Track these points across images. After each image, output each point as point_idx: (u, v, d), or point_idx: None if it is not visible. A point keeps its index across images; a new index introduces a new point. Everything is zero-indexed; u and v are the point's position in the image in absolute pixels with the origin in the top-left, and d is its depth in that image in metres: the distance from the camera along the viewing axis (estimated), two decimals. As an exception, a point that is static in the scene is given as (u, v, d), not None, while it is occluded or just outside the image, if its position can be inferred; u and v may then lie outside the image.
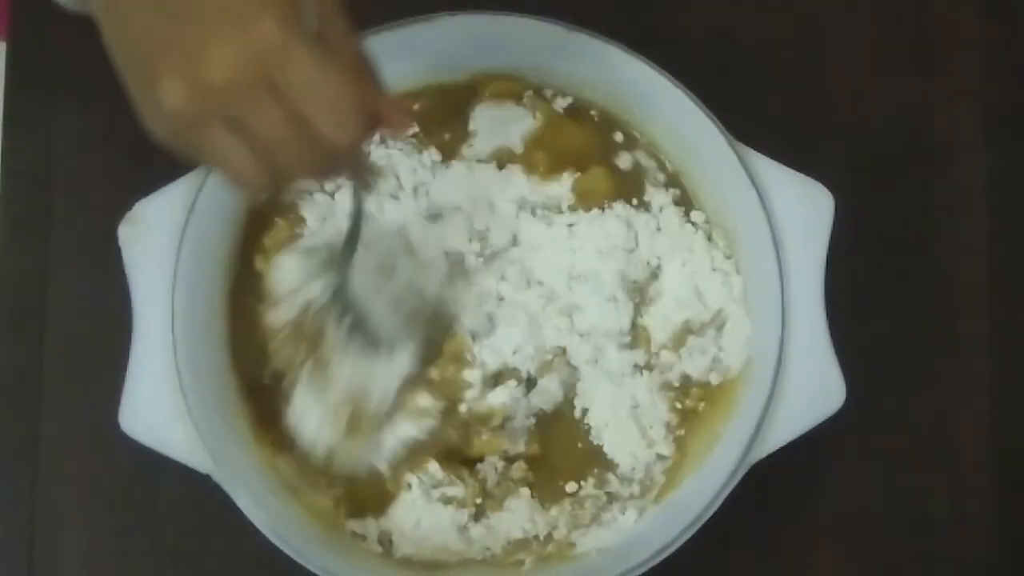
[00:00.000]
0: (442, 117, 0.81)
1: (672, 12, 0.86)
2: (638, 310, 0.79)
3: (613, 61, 0.77)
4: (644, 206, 0.81)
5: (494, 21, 0.77)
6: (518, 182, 0.80)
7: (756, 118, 0.79)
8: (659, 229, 0.80)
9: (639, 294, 0.80)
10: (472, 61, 0.79)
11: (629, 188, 0.81)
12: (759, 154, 0.76)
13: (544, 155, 0.81)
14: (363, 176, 0.68)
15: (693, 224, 0.80)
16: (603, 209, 0.80)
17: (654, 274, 0.80)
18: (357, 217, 0.69)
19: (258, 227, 0.79)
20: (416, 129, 0.80)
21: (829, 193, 0.76)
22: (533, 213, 0.80)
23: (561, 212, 0.80)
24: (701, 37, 0.86)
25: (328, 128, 0.57)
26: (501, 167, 0.80)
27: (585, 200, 0.80)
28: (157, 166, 0.77)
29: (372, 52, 0.61)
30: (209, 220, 0.75)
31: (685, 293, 0.79)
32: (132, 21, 0.58)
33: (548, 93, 0.82)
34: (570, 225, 0.79)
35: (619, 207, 0.80)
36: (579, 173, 0.80)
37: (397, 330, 0.74)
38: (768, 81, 0.86)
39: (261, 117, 0.57)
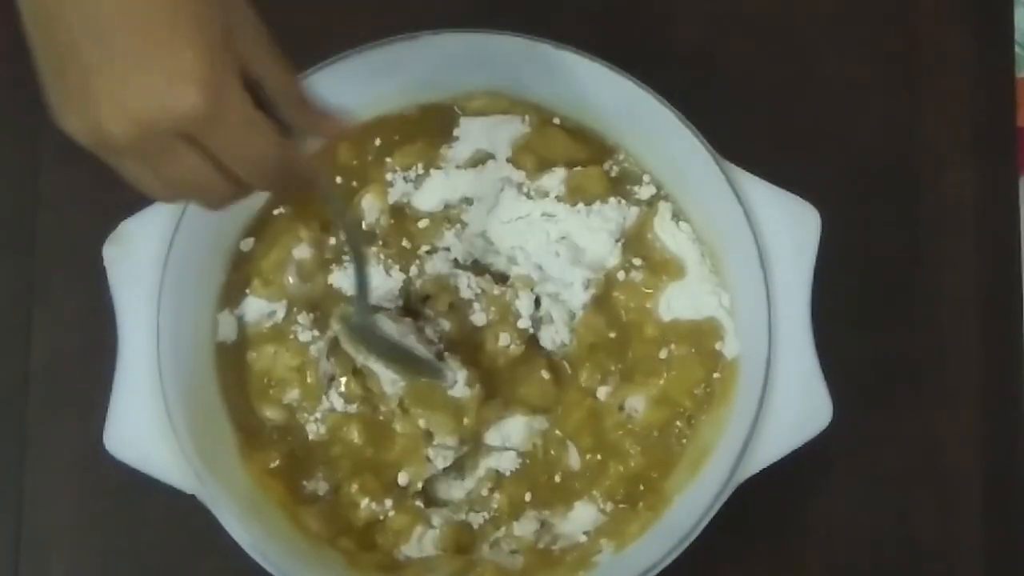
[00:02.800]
0: (428, 135, 0.81)
1: (657, 29, 0.86)
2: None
3: (600, 79, 0.77)
4: (634, 202, 0.81)
5: (479, 40, 0.77)
6: (504, 169, 0.80)
7: (742, 136, 0.79)
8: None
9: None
10: (457, 80, 0.79)
11: (619, 190, 0.81)
12: (745, 172, 0.76)
13: (533, 158, 0.80)
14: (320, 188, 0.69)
15: (684, 222, 0.80)
16: (590, 206, 0.80)
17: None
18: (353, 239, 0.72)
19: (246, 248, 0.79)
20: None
21: (816, 211, 0.75)
22: (519, 190, 0.80)
23: (546, 196, 0.80)
24: (687, 54, 0.86)
25: (248, 178, 0.57)
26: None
27: (575, 196, 0.80)
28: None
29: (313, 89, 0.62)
30: (195, 239, 0.75)
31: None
32: (57, 21, 0.52)
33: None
34: (550, 214, 0.80)
35: (612, 201, 0.80)
36: (573, 168, 0.80)
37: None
38: (754, 98, 0.86)
39: (175, 163, 0.54)
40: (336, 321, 0.77)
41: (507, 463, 0.78)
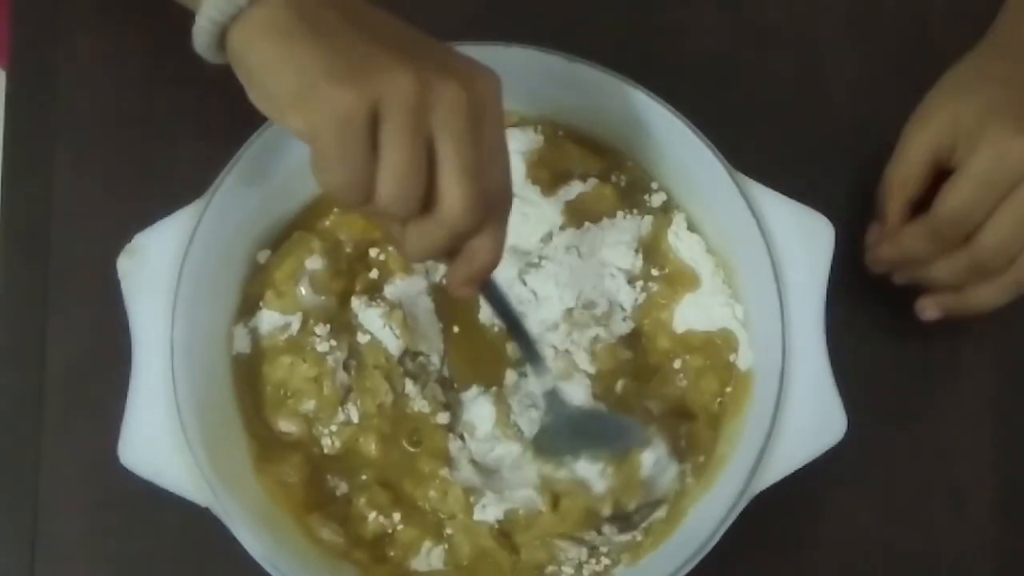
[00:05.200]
0: None
1: (672, 42, 0.86)
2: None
3: (613, 91, 0.77)
4: (647, 210, 0.81)
5: (489, 52, 0.76)
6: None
7: (756, 147, 0.79)
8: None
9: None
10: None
11: (630, 199, 0.81)
12: (758, 184, 0.76)
13: (547, 172, 0.80)
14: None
15: (696, 234, 0.80)
16: (598, 222, 0.80)
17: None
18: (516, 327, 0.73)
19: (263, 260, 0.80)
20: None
21: (830, 223, 0.75)
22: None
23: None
24: (699, 66, 0.86)
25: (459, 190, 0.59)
26: None
27: (579, 216, 0.80)
28: (156, 197, 0.78)
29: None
30: (208, 252, 0.75)
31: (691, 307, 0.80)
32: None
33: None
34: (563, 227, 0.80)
35: (620, 215, 0.80)
36: (584, 183, 0.81)
37: None
38: (768, 110, 0.86)
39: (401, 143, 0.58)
40: (534, 451, 0.77)
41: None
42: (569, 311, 0.79)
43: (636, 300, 0.80)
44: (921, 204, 0.77)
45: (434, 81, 0.59)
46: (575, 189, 0.80)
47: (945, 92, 0.77)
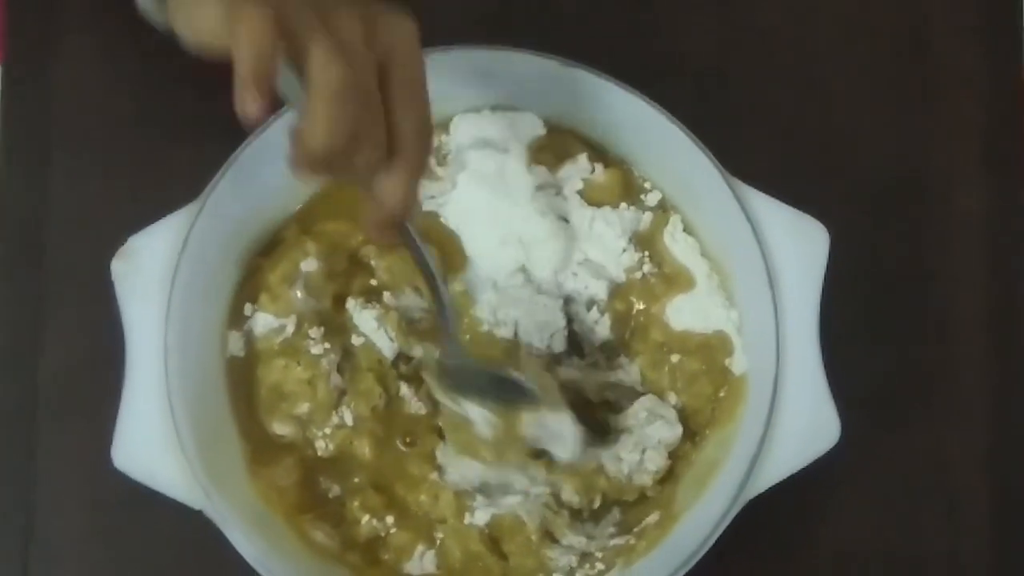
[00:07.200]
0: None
1: (668, 47, 0.86)
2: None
3: (608, 96, 0.77)
4: (644, 207, 0.81)
5: (488, 56, 0.77)
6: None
7: (751, 153, 0.79)
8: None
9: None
10: (465, 96, 0.79)
11: (629, 196, 0.81)
12: (753, 189, 0.76)
13: (550, 155, 0.81)
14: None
15: (692, 237, 0.80)
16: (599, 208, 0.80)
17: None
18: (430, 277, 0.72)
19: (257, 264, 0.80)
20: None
21: (824, 229, 0.75)
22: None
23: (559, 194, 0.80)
24: (696, 71, 0.86)
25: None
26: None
27: (588, 197, 0.80)
28: (150, 200, 0.78)
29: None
30: (202, 254, 0.75)
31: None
32: None
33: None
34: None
35: (623, 206, 0.80)
36: (597, 164, 0.81)
37: None
38: (764, 115, 0.86)
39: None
40: (427, 372, 0.77)
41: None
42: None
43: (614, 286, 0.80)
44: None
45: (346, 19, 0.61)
46: (582, 171, 0.80)
47: None
